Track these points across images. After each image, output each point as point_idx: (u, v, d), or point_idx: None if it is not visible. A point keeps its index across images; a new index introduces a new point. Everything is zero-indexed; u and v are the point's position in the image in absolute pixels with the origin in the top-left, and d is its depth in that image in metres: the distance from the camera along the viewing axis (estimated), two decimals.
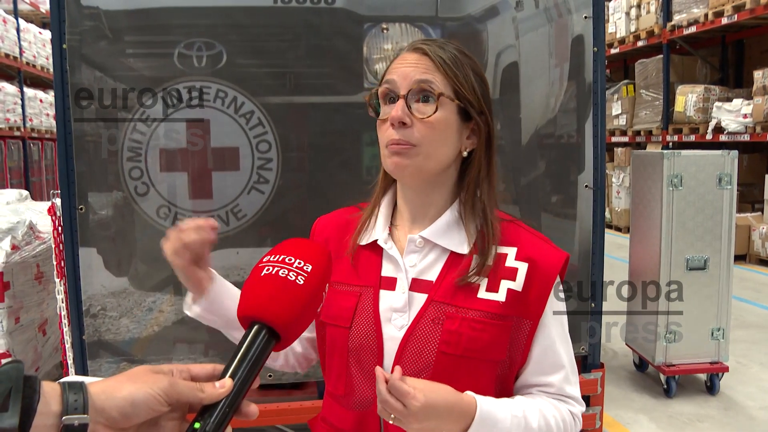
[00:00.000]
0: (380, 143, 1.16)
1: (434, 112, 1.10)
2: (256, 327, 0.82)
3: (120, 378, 0.74)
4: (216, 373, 0.79)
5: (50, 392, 0.69)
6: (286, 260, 0.88)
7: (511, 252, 1.15)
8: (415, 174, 1.13)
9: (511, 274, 1.13)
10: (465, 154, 1.17)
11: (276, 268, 0.87)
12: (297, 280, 0.86)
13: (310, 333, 1.32)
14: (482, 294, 1.12)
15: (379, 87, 1.15)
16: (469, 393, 1.07)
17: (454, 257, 1.15)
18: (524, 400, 1.14)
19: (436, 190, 1.18)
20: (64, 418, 0.68)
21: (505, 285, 1.12)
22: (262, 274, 0.87)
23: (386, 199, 1.24)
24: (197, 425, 0.74)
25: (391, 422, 1.02)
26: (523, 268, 1.13)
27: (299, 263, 0.88)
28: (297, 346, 1.34)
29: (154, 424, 0.75)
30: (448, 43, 1.17)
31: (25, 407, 0.65)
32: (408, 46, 1.17)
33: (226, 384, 0.76)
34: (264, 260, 0.90)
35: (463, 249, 1.15)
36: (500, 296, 1.12)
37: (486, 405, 1.06)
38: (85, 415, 0.69)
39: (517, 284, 1.12)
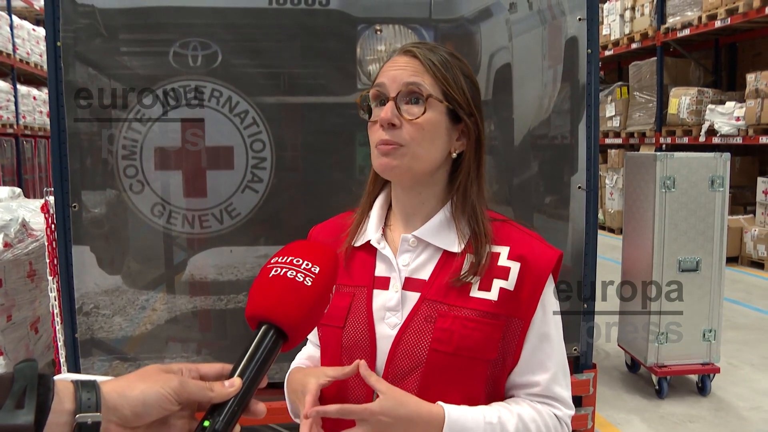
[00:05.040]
0: (371, 144, 1.17)
1: (423, 114, 1.11)
2: (264, 327, 0.83)
3: (131, 377, 0.75)
4: (224, 373, 0.80)
5: (64, 390, 0.69)
6: (294, 262, 0.89)
7: (503, 251, 1.16)
8: (404, 174, 1.14)
9: (504, 273, 1.14)
10: (454, 155, 1.17)
11: (284, 270, 0.88)
12: (305, 282, 0.87)
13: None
14: (475, 293, 1.13)
15: (370, 89, 1.17)
16: (439, 403, 1.08)
17: (447, 256, 1.16)
18: (501, 406, 1.14)
19: (427, 190, 1.19)
20: (77, 416, 0.68)
21: (497, 284, 1.13)
22: (271, 275, 0.88)
23: (380, 201, 1.25)
24: (207, 423, 0.75)
25: None
26: (515, 267, 1.14)
27: (307, 265, 0.89)
28: None
29: (163, 422, 0.76)
30: (439, 45, 1.19)
31: (40, 405, 0.66)
32: (399, 49, 1.18)
33: (236, 383, 0.77)
34: (272, 261, 0.91)
35: (456, 248, 1.16)
36: (492, 295, 1.12)
37: (455, 413, 1.07)
38: (98, 414, 0.70)
39: (509, 283, 1.13)
